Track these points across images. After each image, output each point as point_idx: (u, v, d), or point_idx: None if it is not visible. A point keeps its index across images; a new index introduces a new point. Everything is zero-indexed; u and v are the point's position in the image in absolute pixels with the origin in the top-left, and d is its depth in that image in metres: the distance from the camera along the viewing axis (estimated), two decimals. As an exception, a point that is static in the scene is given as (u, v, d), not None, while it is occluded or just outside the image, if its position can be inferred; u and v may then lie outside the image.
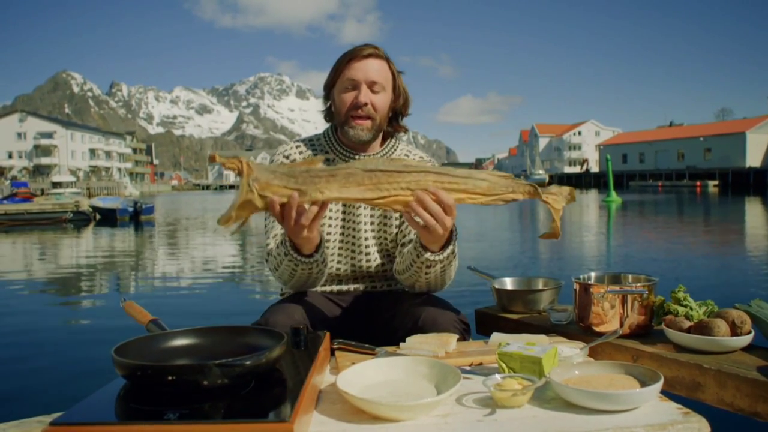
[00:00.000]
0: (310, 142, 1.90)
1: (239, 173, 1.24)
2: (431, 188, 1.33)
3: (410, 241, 1.78)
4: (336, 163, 1.80)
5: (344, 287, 1.88)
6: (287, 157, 1.86)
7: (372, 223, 1.85)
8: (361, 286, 1.89)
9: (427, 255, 1.57)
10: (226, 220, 1.25)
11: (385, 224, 1.84)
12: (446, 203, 1.35)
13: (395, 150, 1.90)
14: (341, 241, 1.84)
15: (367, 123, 1.75)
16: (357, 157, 1.82)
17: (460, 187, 1.34)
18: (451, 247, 1.58)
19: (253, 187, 1.24)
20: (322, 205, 1.33)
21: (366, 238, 1.84)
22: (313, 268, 1.62)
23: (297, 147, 1.88)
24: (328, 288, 1.86)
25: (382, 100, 1.76)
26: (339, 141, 1.85)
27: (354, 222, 1.83)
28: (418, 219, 1.37)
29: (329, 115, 1.87)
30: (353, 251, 1.85)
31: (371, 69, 1.73)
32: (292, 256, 1.58)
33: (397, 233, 1.84)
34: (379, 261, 1.87)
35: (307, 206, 1.32)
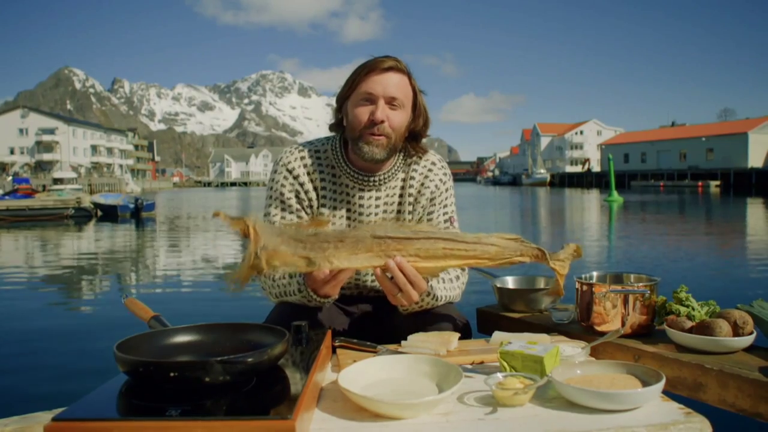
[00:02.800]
0: (317, 154, 1.76)
1: (245, 235, 1.22)
2: (398, 260, 1.31)
3: None
4: (342, 180, 1.74)
5: (348, 305, 1.85)
6: (290, 172, 1.73)
7: None
8: (368, 307, 1.86)
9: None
10: (235, 281, 1.23)
11: None
12: (411, 278, 1.35)
13: (404, 162, 1.78)
14: None
15: (383, 140, 1.63)
16: (366, 177, 1.73)
17: (469, 253, 1.34)
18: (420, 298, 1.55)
19: (261, 256, 1.21)
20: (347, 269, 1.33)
21: None
22: (326, 303, 1.61)
23: (302, 159, 1.75)
24: None
25: (399, 118, 1.64)
26: (347, 159, 1.73)
27: None
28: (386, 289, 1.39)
29: (337, 127, 1.75)
30: (358, 273, 1.79)
31: (391, 83, 1.61)
32: (306, 293, 1.55)
33: None
34: None
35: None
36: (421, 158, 1.80)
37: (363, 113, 1.62)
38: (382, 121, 1.60)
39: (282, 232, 1.24)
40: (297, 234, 1.25)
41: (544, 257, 1.38)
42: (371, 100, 1.61)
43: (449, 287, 1.70)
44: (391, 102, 1.62)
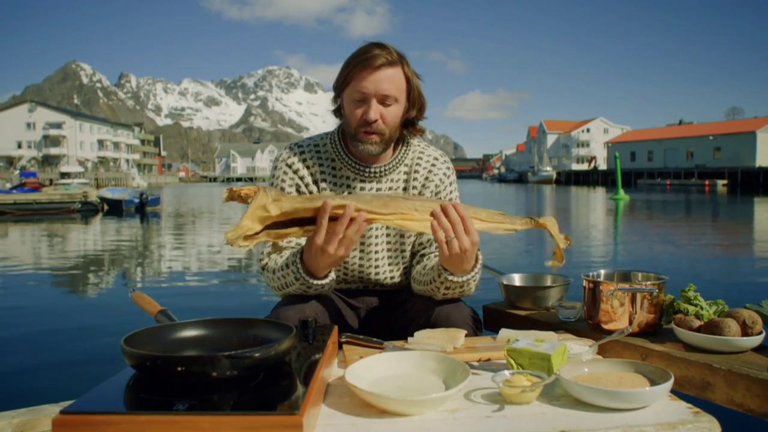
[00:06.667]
0: (316, 148, 1.78)
1: (253, 198, 1.29)
2: (454, 203, 1.41)
3: (425, 251, 1.78)
4: (343, 173, 1.77)
5: (353, 299, 1.86)
6: (290, 166, 1.76)
7: (387, 235, 1.80)
8: (374, 301, 1.86)
9: (448, 276, 1.57)
10: (236, 231, 1.27)
11: (401, 234, 1.80)
12: (464, 218, 1.40)
13: (407, 156, 1.80)
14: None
15: (375, 138, 1.65)
16: (366, 168, 1.75)
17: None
18: (473, 273, 1.58)
19: (268, 194, 1.28)
20: (363, 221, 1.36)
21: (377, 251, 1.79)
22: (325, 287, 1.61)
23: (301, 154, 1.77)
24: (336, 286, 1.83)
25: (393, 113, 1.66)
26: (347, 150, 1.76)
27: (364, 234, 1.75)
28: (440, 234, 1.40)
29: (339, 113, 1.77)
30: (362, 265, 1.80)
31: (383, 81, 1.61)
32: (305, 280, 1.55)
33: (414, 242, 1.81)
34: (389, 274, 1.83)
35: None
36: (424, 152, 1.83)
37: (357, 112, 1.64)
38: (375, 120, 1.63)
39: (283, 194, 1.35)
40: (300, 196, 1.38)
41: (534, 221, 1.46)
42: (364, 99, 1.63)
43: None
44: (383, 100, 1.63)
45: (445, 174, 1.84)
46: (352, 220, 1.35)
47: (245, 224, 1.27)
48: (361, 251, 1.79)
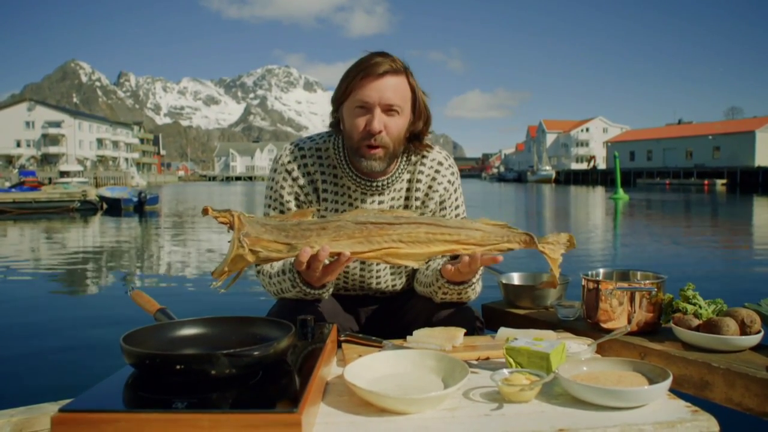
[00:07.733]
0: (318, 153, 1.69)
1: (231, 227, 1.24)
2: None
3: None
4: (344, 182, 1.70)
5: (354, 305, 1.83)
6: (290, 173, 1.68)
7: None
8: (374, 307, 1.84)
9: (445, 282, 1.56)
10: (220, 274, 1.25)
11: None
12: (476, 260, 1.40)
13: (409, 162, 1.72)
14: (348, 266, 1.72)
15: (380, 152, 1.56)
16: (368, 182, 1.67)
17: (452, 238, 1.31)
18: (471, 282, 1.57)
19: (243, 243, 1.23)
20: (348, 257, 1.29)
21: (378, 263, 1.74)
22: (323, 294, 1.59)
23: (302, 158, 1.69)
24: (336, 293, 1.81)
25: (398, 124, 1.57)
26: (349, 161, 1.66)
27: None
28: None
29: (336, 128, 1.67)
30: (363, 275, 1.77)
31: (387, 89, 1.53)
32: (301, 288, 1.53)
33: None
34: (390, 283, 1.80)
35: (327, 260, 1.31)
36: (426, 156, 1.74)
37: (359, 123, 1.55)
38: (380, 131, 1.54)
39: (266, 222, 1.27)
40: (280, 224, 1.27)
41: (533, 242, 1.36)
42: (367, 108, 1.54)
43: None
44: (388, 109, 1.54)
45: (449, 181, 1.76)
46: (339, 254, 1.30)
47: (227, 270, 1.26)
48: (362, 261, 1.74)
